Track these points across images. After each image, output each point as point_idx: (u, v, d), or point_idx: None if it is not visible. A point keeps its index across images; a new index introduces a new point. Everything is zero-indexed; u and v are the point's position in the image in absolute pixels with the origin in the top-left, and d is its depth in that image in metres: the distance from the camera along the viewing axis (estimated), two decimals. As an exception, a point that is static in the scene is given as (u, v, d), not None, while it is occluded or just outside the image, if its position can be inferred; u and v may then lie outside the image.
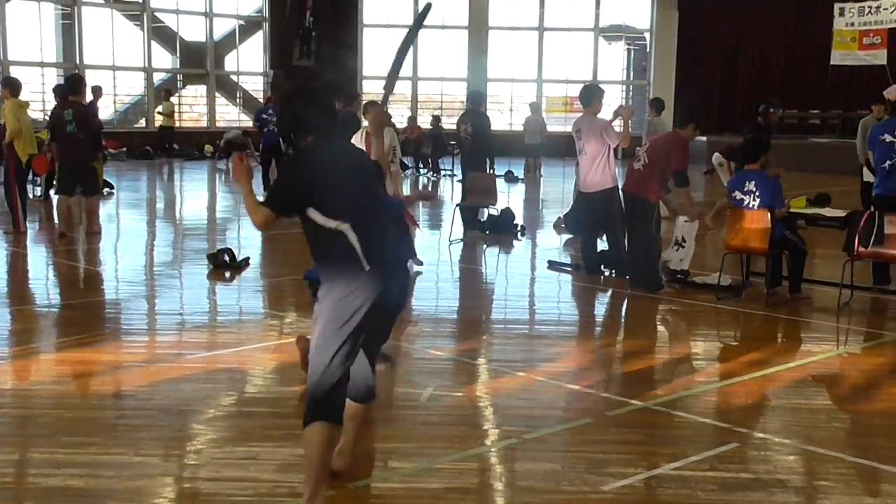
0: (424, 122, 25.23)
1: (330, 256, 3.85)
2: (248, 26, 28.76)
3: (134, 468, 4.39)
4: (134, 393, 5.59)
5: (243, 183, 4.06)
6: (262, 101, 26.57)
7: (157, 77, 27.29)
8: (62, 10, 25.19)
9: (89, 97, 13.58)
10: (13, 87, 11.61)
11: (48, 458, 4.52)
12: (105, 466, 4.38)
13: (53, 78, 24.61)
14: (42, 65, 25.04)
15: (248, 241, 12.07)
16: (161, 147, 24.93)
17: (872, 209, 8.20)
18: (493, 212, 12.21)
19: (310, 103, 4.04)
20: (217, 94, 28.15)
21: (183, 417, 5.16)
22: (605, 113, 9.73)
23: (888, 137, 8.33)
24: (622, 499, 4.15)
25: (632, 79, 31.37)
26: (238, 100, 28.86)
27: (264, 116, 17.14)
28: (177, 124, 25.90)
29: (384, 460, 4.52)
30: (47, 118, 16.13)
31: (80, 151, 11.15)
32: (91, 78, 25.06)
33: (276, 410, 5.25)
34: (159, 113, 25.38)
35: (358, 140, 9.05)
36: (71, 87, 11.49)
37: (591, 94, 9.42)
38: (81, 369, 5.92)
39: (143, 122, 26.59)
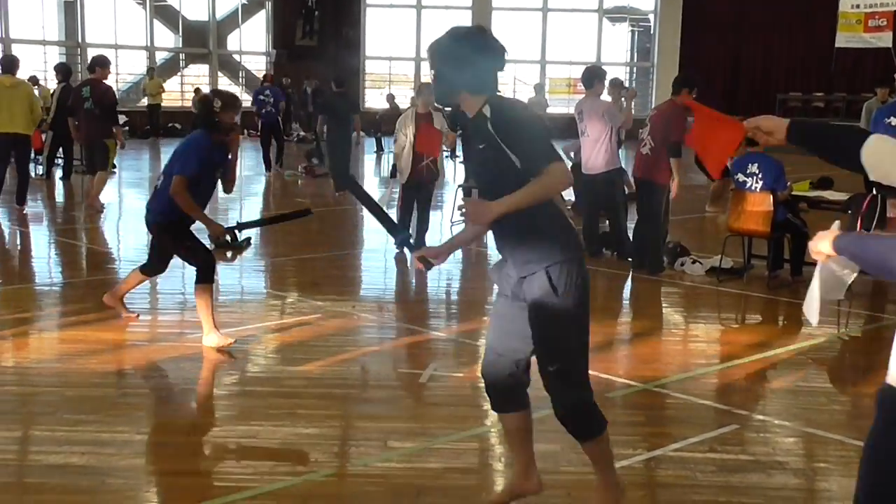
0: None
1: (550, 230, 3.39)
2: (251, 5, 28.67)
3: (135, 446, 4.41)
4: (135, 372, 5.60)
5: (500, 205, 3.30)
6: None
7: (160, 56, 27.23)
8: (65, -13, 25.14)
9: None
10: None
11: (49, 435, 4.53)
12: (106, 444, 4.40)
13: (55, 56, 24.57)
14: (44, 43, 24.99)
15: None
16: (152, 125, 24.90)
17: (875, 192, 8.18)
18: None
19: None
20: (219, 74, 28.09)
21: (184, 397, 5.17)
22: (606, 94, 9.71)
23: (894, 121, 8.28)
24: (621, 480, 4.16)
25: (636, 60, 31.26)
26: (241, 79, 28.80)
27: (262, 98, 17.12)
28: (163, 102, 25.73)
29: (384, 440, 4.53)
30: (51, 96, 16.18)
31: (95, 127, 11.61)
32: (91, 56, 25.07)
33: (276, 390, 5.26)
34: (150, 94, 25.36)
35: (409, 118, 9.10)
36: (90, 66, 11.99)
37: (592, 76, 9.37)
38: (83, 348, 5.93)
39: (144, 101, 26.53)
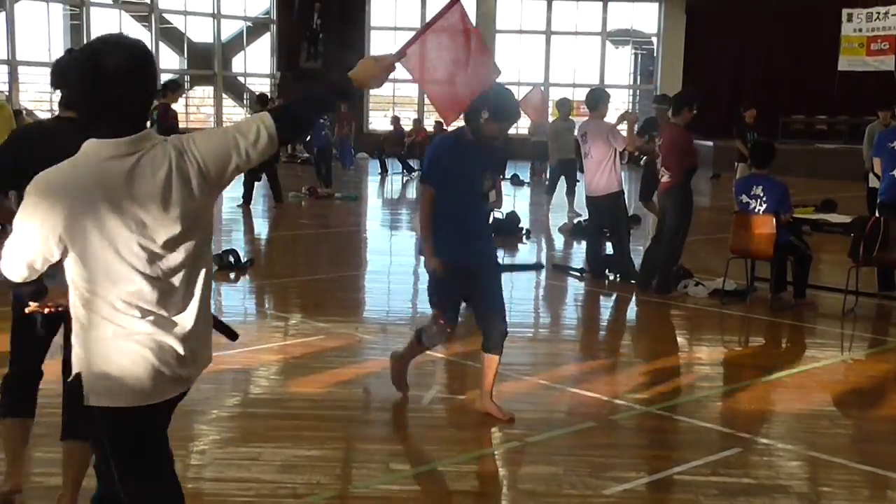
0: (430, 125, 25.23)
1: None
2: (256, 28, 28.83)
3: (136, 468, 4.38)
4: (137, 393, 5.59)
5: None
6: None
7: (165, 78, 27.36)
8: (70, 10, 25.28)
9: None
10: None
11: (52, 457, 4.50)
12: (108, 466, 4.38)
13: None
14: (50, 65, 25.11)
15: (252, 242, 12.11)
16: None
17: (878, 215, 8.19)
18: (499, 215, 12.21)
19: None
20: (224, 96, 28.21)
21: (186, 418, 5.15)
22: (610, 117, 9.74)
23: None
24: (624, 503, 4.15)
25: (639, 83, 31.36)
26: (245, 101, 28.92)
27: (321, 120, 17.37)
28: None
29: (386, 462, 4.52)
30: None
31: None
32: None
33: (278, 411, 5.25)
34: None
35: None
36: (161, 91, 12.67)
37: (597, 99, 9.40)
38: (85, 369, 5.92)
39: (147, 123, 26.58)
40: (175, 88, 12.96)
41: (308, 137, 17.47)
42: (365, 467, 4.47)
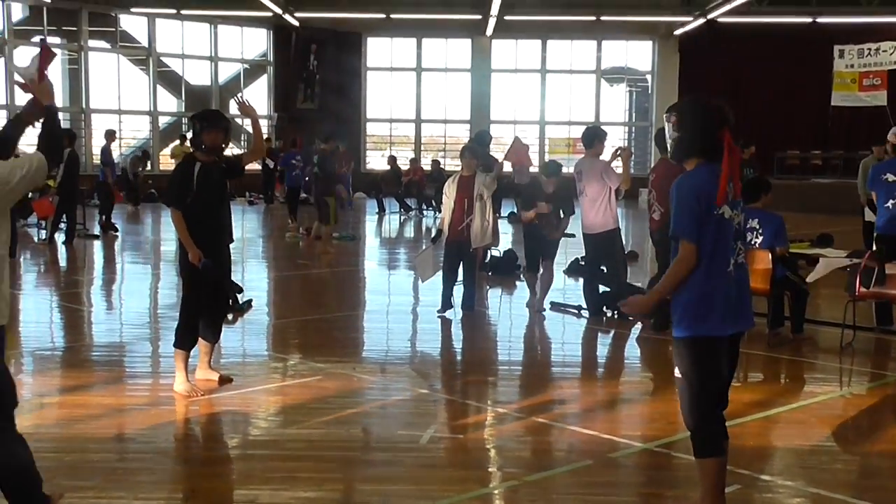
0: (427, 164, 25.32)
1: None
2: (253, 70, 29.05)
3: (133, 512, 4.37)
4: (135, 436, 5.58)
5: None
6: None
7: (163, 121, 27.52)
8: (69, 55, 25.48)
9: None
10: None
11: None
12: (105, 510, 4.37)
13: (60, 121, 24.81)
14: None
15: (251, 283, 12.11)
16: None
17: (875, 248, 8.21)
18: (496, 253, 12.24)
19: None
20: (222, 137, 28.34)
21: (183, 460, 5.14)
22: (606, 154, 9.79)
23: (891, 177, 8.38)
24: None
25: (634, 120, 31.57)
26: (242, 143, 29.06)
27: (293, 162, 18.58)
28: (164, 165, 26.07)
29: (384, 502, 4.50)
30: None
31: (319, 187, 14.92)
32: (98, 122, 25.36)
33: (277, 453, 5.23)
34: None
35: (453, 181, 9.23)
36: (325, 139, 15.73)
37: (593, 136, 9.46)
38: (83, 413, 5.91)
39: (148, 166, 26.72)
40: (328, 138, 15.49)
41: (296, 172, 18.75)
42: (363, 508, 4.45)
